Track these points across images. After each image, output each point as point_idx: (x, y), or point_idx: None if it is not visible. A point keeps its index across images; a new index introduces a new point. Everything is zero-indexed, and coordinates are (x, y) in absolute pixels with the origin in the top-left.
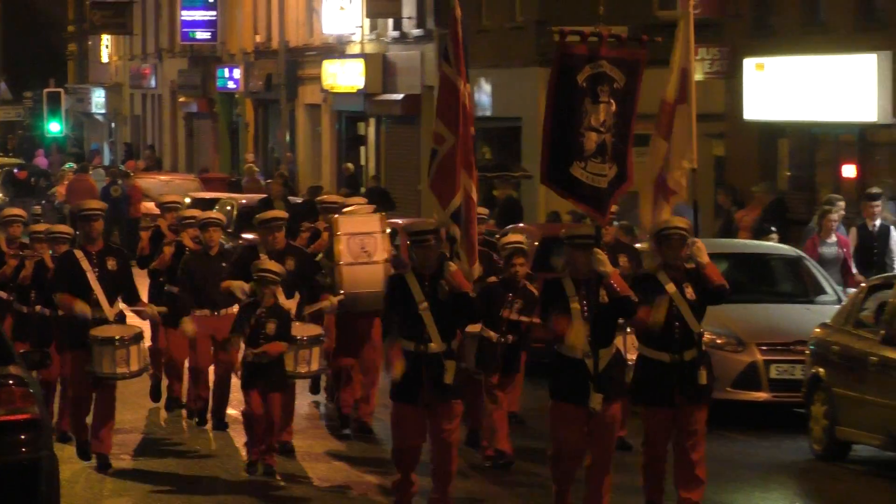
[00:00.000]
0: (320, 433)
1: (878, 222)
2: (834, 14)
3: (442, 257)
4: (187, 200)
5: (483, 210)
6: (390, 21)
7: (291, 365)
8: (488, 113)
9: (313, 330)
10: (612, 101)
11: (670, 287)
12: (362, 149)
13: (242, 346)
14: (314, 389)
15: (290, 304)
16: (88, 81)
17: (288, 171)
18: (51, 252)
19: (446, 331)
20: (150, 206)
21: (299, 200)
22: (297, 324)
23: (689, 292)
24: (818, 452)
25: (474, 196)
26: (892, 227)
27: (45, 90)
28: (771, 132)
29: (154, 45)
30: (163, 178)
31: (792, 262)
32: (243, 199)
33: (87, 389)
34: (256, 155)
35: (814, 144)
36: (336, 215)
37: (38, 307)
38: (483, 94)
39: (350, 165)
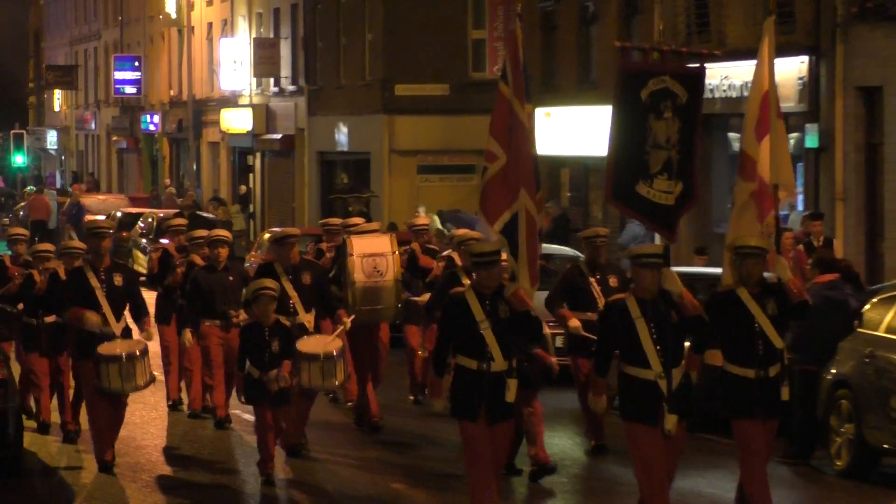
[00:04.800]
0: (343, 439)
1: (822, 238)
2: (602, 75)
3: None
4: (119, 214)
5: (424, 220)
6: (272, 79)
7: (319, 378)
8: (345, 148)
9: (336, 344)
10: (675, 117)
11: (751, 304)
12: (251, 175)
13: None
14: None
15: (309, 318)
16: (44, 124)
17: (194, 192)
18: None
19: (508, 349)
20: (91, 219)
21: (206, 214)
22: (319, 337)
23: (772, 307)
24: None
25: (535, 216)
26: (833, 241)
27: (12, 131)
28: (556, 164)
29: (94, 97)
30: (100, 197)
31: (571, 260)
32: (161, 213)
33: (99, 399)
34: (172, 181)
35: (587, 173)
36: (350, 236)
37: (52, 317)
38: (342, 135)
39: (243, 187)
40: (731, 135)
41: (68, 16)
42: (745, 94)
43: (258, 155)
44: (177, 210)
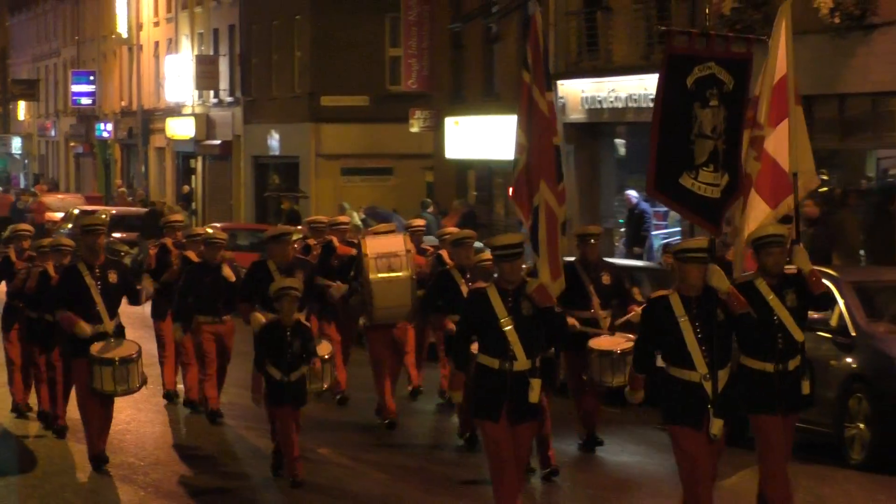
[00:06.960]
0: (355, 441)
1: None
2: (504, 89)
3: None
4: (76, 212)
5: (420, 222)
6: (212, 92)
7: (312, 381)
8: (277, 153)
9: (326, 349)
10: (721, 105)
11: (770, 295)
12: (193, 177)
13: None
14: (341, 402)
15: (301, 316)
16: (10, 132)
17: (143, 191)
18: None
19: (531, 348)
20: (52, 216)
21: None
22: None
23: (791, 299)
24: None
25: (556, 208)
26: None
27: None
28: (463, 166)
29: (53, 107)
30: (59, 196)
31: None
32: (114, 210)
33: (91, 397)
34: (123, 182)
35: (492, 175)
36: (365, 237)
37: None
38: (274, 141)
39: (186, 187)
40: (617, 141)
41: (31, 35)
42: (630, 105)
43: (200, 159)
44: (130, 207)
